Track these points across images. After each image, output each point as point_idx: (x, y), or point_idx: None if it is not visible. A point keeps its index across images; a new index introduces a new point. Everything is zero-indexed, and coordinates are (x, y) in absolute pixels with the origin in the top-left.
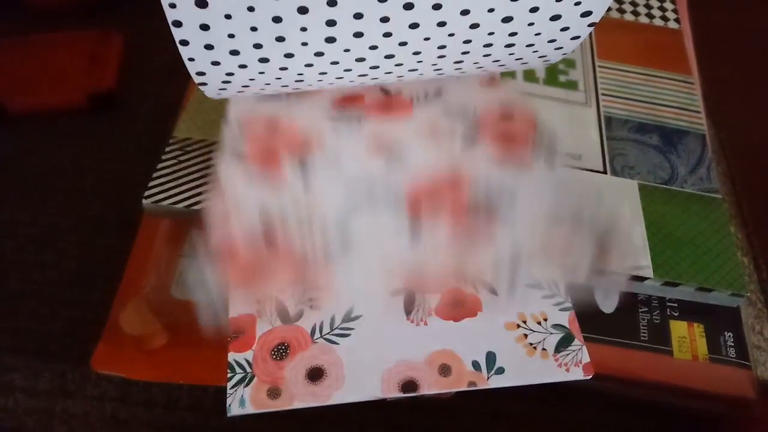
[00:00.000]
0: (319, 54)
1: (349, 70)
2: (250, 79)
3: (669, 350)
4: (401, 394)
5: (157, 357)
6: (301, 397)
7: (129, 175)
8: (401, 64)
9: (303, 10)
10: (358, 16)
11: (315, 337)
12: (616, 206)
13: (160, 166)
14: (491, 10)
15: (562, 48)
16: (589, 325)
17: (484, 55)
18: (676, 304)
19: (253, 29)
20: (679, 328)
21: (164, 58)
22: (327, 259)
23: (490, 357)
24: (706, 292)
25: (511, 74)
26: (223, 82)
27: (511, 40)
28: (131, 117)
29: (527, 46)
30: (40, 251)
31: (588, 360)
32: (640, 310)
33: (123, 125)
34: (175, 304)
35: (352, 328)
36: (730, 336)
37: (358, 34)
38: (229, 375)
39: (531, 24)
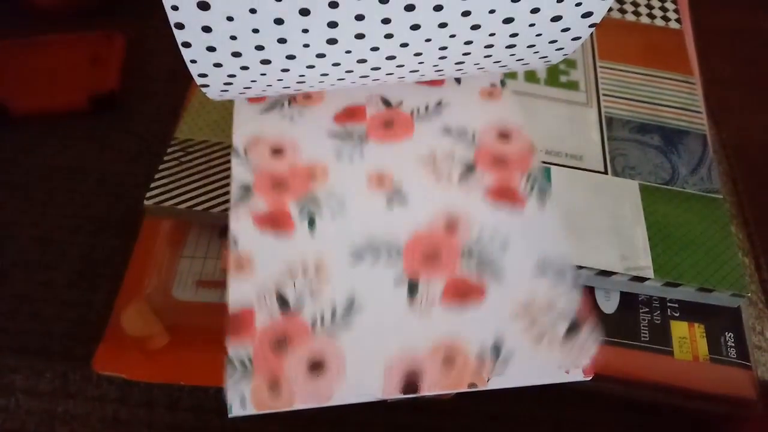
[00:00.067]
0: (320, 55)
1: (351, 71)
2: (252, 81)
3: (670, 351)
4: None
5: (159, 358)
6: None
7: (131, 176)
8: (402, 65)
9: (305, 12)
10: (360, 17)
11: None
12: (616, 209)
13: (161, 167)
14: (492, 11)
15: (563, 49)
16: None
17: (485, 56)
18: (676, 305)
19: (255, 31)
20: (679, 329)
21: (166, 60)
22: (334, 324)
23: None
24: (707, 292)
25: (512, 75)
26: (225, 83)
27: (512, 41)
28: (133, 118)
29: (528, 46)
30: (41, 252)
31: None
32: (640, 311)
33: (125, 126)
34: (177, 305)
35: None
36: (730, 336)
37: (360, 36)
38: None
39: (532, 25)
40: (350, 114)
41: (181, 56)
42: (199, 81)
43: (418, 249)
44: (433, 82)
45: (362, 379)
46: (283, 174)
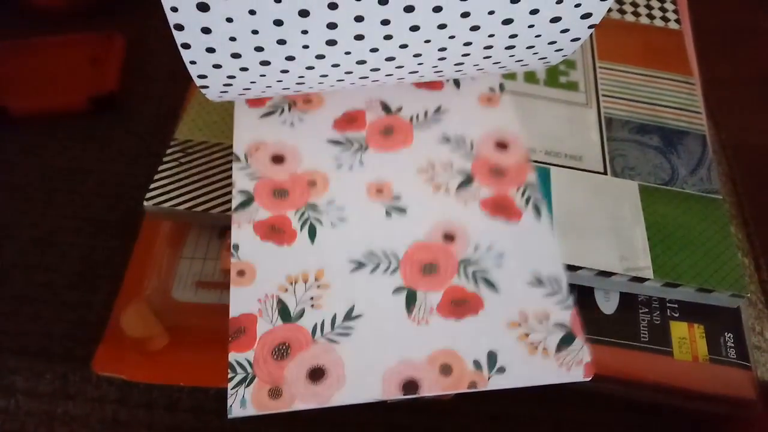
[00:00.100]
0: (320, 57)
1: (350, 72)
2: (252, 82)
3: (669, 351)
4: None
5: (158, 359)
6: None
7: (130, 177)
8: (402, 66)
9: (304, 13)
10: (359, 18)
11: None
12: (616, 209)
13: (161, 168)
14: (491, 13)
15: (562, 50)
16: (590, 326)
17: (484, 57)
18: (676, 305)
19: (255, 32)
20: (679, 329)
21: (166, 61)
22: (334, 332)
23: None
24: (707, 292)
25: (511, 76)
26: (225, 84)
27: (512, 42)
28: (133, 119)
29: (527, 47)
30: (41, 253)
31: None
32: (640, 311)
33: (124, 127)
34: (176, 306)
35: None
36: (730, 337)
37: (359, 37)
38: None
39: (531, 26)
40: (350, 120)
41: (181, 57)
42: (198, 82)
43: (417, 259)
44: (432, 87)
45: (361, 385)
46: (284, 182)
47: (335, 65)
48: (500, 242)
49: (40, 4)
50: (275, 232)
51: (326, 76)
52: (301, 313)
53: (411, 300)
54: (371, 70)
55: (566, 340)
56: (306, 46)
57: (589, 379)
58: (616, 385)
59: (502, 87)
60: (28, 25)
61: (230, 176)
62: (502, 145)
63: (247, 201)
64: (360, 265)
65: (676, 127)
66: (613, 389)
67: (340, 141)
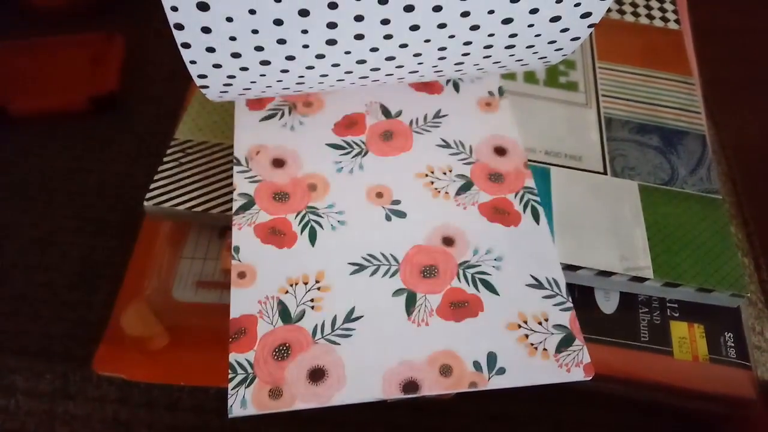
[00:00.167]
0: (320, 56)
1: (350, 72)
2: (252, 82)
3: (669, 351)
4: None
5: (159, 358)
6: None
7: (130, 177)
8: (402, 66)
9: (304, 13)
10: (359, 18)
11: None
12: (616, 209)
13: (161, 168)
14: (491, 12)
15: (562, 49)
16: (590, 326)
17: (484, 57)
18: (676, 305)
19: (255, 32)
20: (679, 329)
21: (166, 61)
22: (334, 333)
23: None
24: (707, 292)
25: (511, 76)
26: (225, 84)
27: (511, 41)
28: (133, 119)
29: (527, 47)
30: (41, 253)
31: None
32: (640, 311)
33: (124, 127)
34: (176, 305)
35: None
36: (730, 336)
37: (359, 37)
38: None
39: (531, 25)
40: (350, 124)
41: (181, 57)
42: (198, 82)
43: (416, 262)
44: (431, 90)
45: (362, 385)
46: (285, 185)
47: (335, 65)
48: (499, 246)
49: (40, 4)
50: (276, 234)
51: (326, 75)
52: (302, 315)
53: (411, 302)
54: (371, 69)
55: (566, 342)
56: (306, 46)
57: (589, 378)
58: (616, 385)
59: (501, 91)
60: (28, 25)
61: (230, 176)
62: (500, 151)
63: (248, 204)
64: (360, 268)
65: (676, 127)
66: (613, 389)
67: (341, 145)
